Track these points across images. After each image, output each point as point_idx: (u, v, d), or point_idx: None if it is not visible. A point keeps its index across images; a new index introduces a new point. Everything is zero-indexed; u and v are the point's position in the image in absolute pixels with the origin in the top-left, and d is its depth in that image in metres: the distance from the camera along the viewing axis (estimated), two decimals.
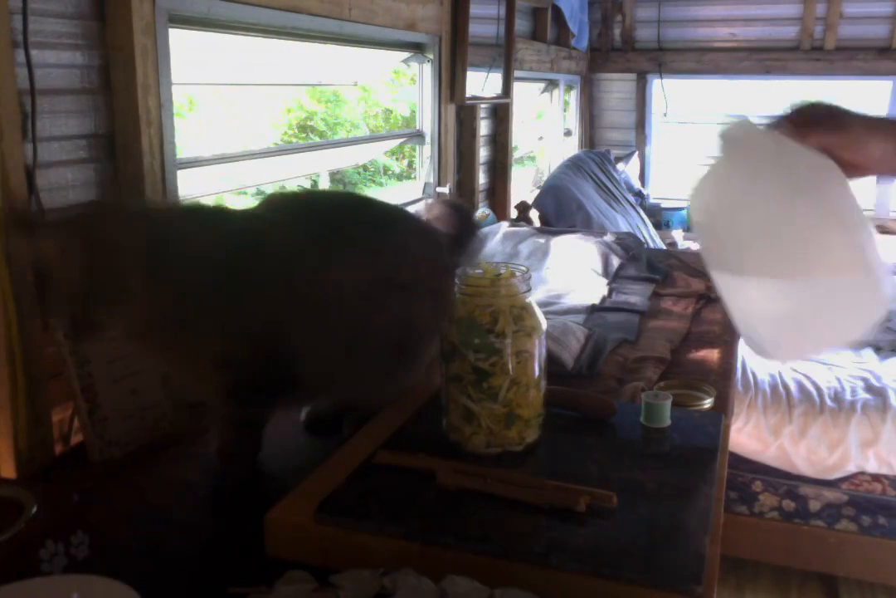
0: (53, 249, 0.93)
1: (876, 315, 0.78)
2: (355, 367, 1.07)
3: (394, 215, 1.17)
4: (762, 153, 0.74)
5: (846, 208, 0.73)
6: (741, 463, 2.56)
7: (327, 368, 1.06)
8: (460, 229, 1.27)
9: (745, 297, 0.80)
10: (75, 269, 0.92)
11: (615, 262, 2.23)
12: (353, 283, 1.04)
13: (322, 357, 1.05)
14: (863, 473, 2.51)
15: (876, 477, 2.50)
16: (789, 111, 0.76)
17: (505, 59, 2.95)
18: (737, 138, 0.75)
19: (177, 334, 0.97)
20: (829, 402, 2.55)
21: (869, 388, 2.60)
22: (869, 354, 2.95)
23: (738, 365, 2.48)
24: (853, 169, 0.75)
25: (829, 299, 0.75)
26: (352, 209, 1.13)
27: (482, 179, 3.11)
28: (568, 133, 4.36)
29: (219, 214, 1.07)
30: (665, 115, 4.65)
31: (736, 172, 0.75)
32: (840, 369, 2.77)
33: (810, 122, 0.74)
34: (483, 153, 3.09)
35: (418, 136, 2.54)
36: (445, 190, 2.49)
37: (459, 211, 1.31)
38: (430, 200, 1.33)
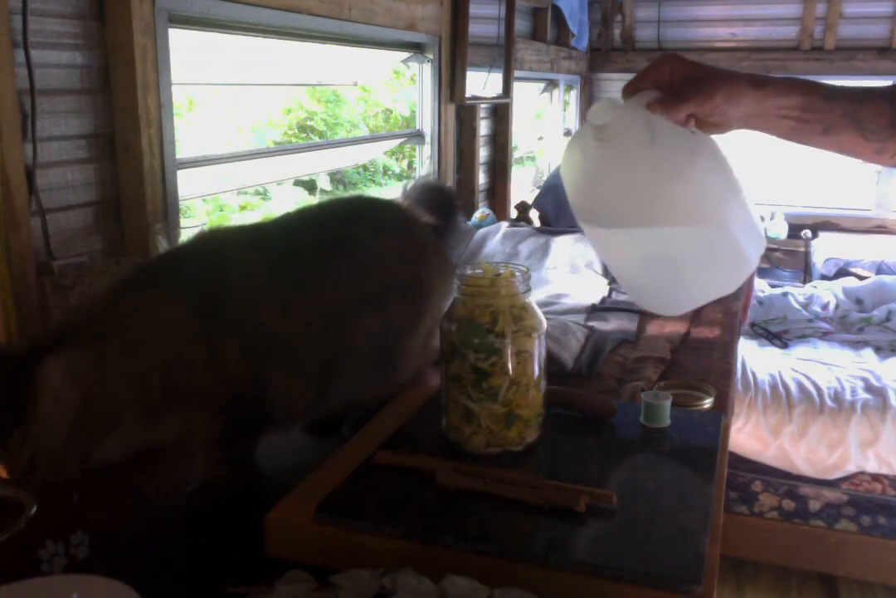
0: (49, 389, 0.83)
1: (743, 271, 0.88)
2: (340, 383, 1.08)
3: (347, 223, 1.13)
4: (628, 127, 0.80)
5: (704, 170, 0.81)
6: (741, 463, 2.57)
7: (310, 392, 1.06)
8: (441, 210, 1.25)
9: (618, 252, 0.89)
10: (71, 407, 0.84)
11: None
12: (319, 310, 1.03)
13: (304, 384, 1.04)
14: (863, 473, 2.51)
15: (876, 477, 2.51)
16: (652, 69, 0.83)
17: (505, 59, 2.95)
18: (602, 114, 0.81)
19: (169, 407, 0.93)
20: (829, 402, 2.55)
21: (869, 388, 2.61)
22: (869, 354, 2.95)
23: (738, 365, 2.48)
24: (715, 127, 0.84)
25: (694, 253, 0.84)
26: (301, 232, 1.10)
27: (482, 179, 3.11)
28: (568, 133, 4.36)
29: (172, 271, 0.99)
30: None
31: (603, 144, 0.82)
32: (840, 369, 2.78)
33: (679, 97, 0.80)
34: (483, 153, 3.09)
35: (418, 136, 2.54)
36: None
37: (437, 192, 1.30)
38: (407, 186, 1.31)
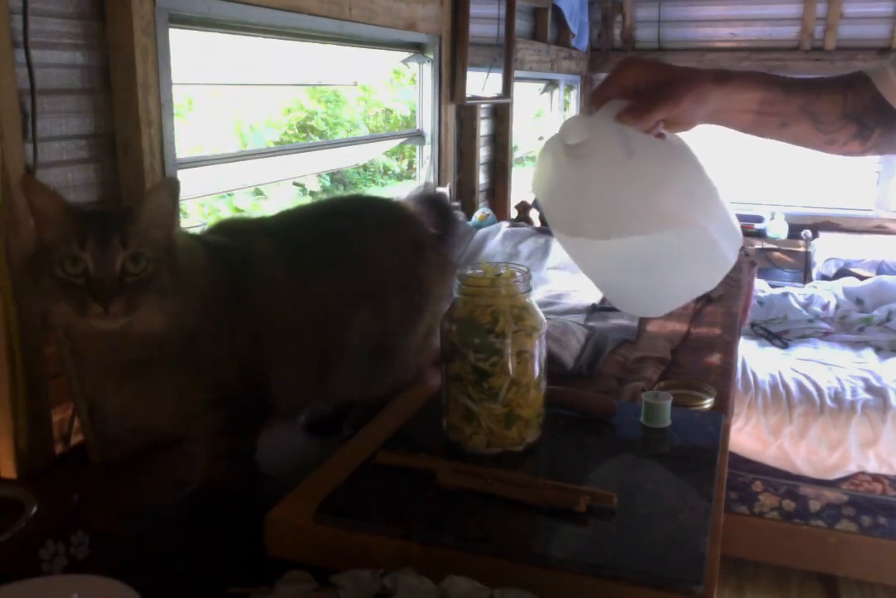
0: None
1: (723, 268, 0.89)
2: (338, 376, 1.09)
3: (346, 219, 1.15)
4: (602, 143, 0.81)
5: (684, 176, 0.83)
6: (741, 463, 2.57)
7: (310, 383, 1.07)
8: (439, 218, 1.26)
9: (595, 259, 0.90)
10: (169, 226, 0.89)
11: None
12: (320, 303, 1.05)
13: (304, 375, 1.05)
14: (863, 473, 2.51)
15: (876, 477, 2.51)
16: (616, 76, 0.84)
17: (505, 59, 2.95)
18: (575, 133, 0.82)
19: (182, 355, 0.93)
20: (829, 402, 2.55)
21: (869, 388, 2.61)
22: (869, 354, 2.95)
23: (739, 365, 2.48)
24: (680, 126, 0.85)
25: (674, 255, 0.86)
26: (302, 227, 1.12)
27: (482, 179, 3.11)
28: None
29: (206, 243, 1.01)
30: None
31: (578, 161, 0.82)
32: (840, 369, 2.78)
33: (648, 105, 0.80)
34: (483, 153, 3.09)
35: (418, 136, 2.54)
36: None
37: (435, 201, 1.30)
38: (402, 197, 1.31)
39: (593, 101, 0.85)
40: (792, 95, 0.83)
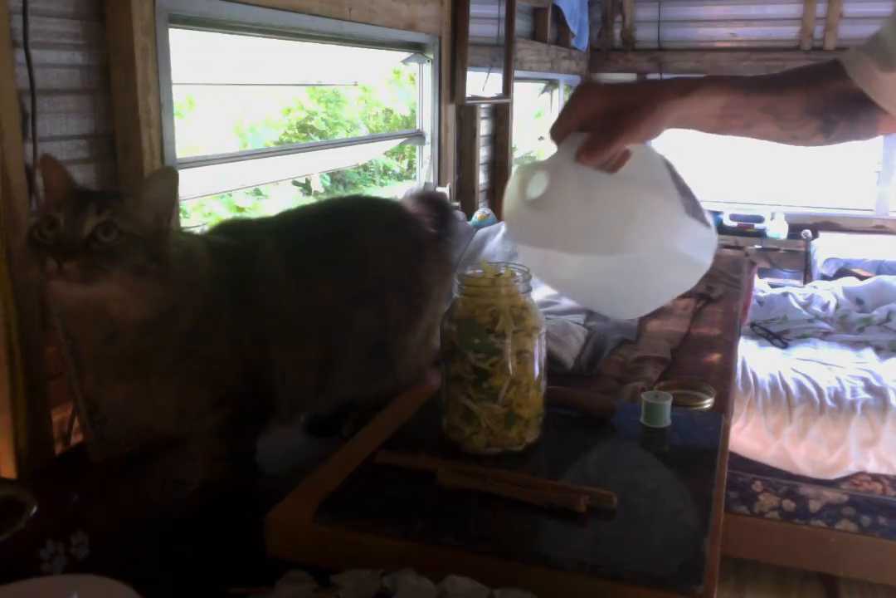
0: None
1: (698, 272, 0.89)
2: (339, 375, 1.09)
3: (346, 219, 1.15)
4: (562, 193, 0.81)
5: (648, 205, 0.82)
6: (741, 463, 2.57)
7: (311, 382, 1.07)
8: (436, 216, 1.26)
9: (564, 272, 0.91)
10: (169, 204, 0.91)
11: None
12: (322, 301, 1.05)
13: (306, 373, 1.05)
14: (863, 473, 2.51)
15: (876, 477, 2.51)
16: (572, 108, 0.82)
17: (505, 59, 2.95)
18: (534, 187, 0.83)
19: (184, 354, 0.94)
20: (829, 402, 2.55)
21: (869, 388, 2.61)
22: (869, 354, 2.95)
23: (738, 365, 2.48)
24: (645, 138, 0.83)
25: (645, 267, 0.87)
26: (304, 227, 1.12)
27: (482, 179, 3.11)
28: None
29: (204, 243, 1.02)
30: None
31: (541, 212, 0.83)
32: (840, 369, 2.78)
33: (605, 139, 0.79)
34: (483, 153, 3.09)
35: (418, 136, 2.54)
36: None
37: (433, 201, 1.31)
38: (402, 197, 1.32)
39: (552, 136, 0.83)
40: (753, 97, 0.83)
